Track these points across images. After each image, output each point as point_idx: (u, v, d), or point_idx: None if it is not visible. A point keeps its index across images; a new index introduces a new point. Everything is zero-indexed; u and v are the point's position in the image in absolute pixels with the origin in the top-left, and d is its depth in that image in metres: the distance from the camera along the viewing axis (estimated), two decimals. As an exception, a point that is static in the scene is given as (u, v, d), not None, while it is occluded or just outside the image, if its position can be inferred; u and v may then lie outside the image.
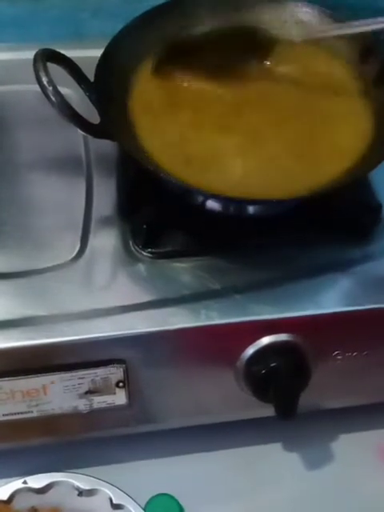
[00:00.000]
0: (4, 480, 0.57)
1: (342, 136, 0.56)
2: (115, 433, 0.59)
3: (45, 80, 0.49)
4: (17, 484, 0.57)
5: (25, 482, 0.57)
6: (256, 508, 0.60)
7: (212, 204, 0.55)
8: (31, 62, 0.51)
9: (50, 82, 0.49)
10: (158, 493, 0.59)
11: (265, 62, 0.60)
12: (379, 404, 0.62)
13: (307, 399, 0.54)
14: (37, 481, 0.57)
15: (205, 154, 0.55)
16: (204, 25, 0.60)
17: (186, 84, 0.58)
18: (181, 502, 0.59)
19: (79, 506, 0.57)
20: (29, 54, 0.51)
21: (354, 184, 0.54)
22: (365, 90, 0.59)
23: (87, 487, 0.56)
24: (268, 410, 0.54)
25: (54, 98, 0.49)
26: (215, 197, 0.53)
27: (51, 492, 0.57)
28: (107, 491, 0.56)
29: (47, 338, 0.50)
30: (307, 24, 0.61)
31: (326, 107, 0.58)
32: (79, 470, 0.58)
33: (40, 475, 0.57)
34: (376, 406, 0.62)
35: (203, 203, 0.55)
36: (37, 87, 0.50)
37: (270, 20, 0.61)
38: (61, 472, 0.57)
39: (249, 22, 0.61)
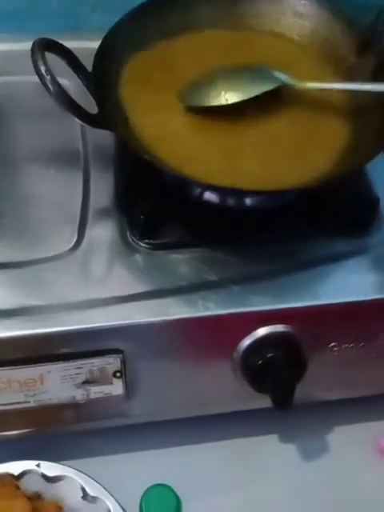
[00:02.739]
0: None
1: (338, 129, 0.57)
2: (112, 423, 0.59)
3: (43, 69, 0.49)
4: (30, 464, 0.56)
5: (38, 466, 0.56)
6: (252, 499, 0.60)
7: (209, 195, 0.55)
8: (29, 54, 0.51)
9: (48, 71, 0.49)
10: (154, 483, 0.59)
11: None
12: (374, 396, 0.62)
13: (303, 391, 0.54)
14: (50, 468, 0.56)
15: (203, 146, 0.55)
16: (202, 15, 0.60)
17: (183, 76, 0.58)
18: (178, 493, 0.59)
19: (77, 508, 0.56)
20: (26, 46, 0.51)
21: (351, 177, 0.55)
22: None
23: (92, 493, 0.56)
24: (264, 402, 0.54)
25: (51, 87, 0.49)
26: (212, 188, 0.53)
27: (59, 484, 0.57)
28: (108, 504, 0.55)
29: (44, 327, 0.51)
30: (305, 16, 0.61)
31: (321, 101, 0.58)
32: (75, 461, 0.58)
33: (54, 464, 0.56)
34: (371, 398, 0.62)
35: (201, 195, 0.55)
36: (34, 79, 0.50)
37: (269, 12, 0.61)
38: (74, 469, 0.56)
39: (247, 13, 0.61)
